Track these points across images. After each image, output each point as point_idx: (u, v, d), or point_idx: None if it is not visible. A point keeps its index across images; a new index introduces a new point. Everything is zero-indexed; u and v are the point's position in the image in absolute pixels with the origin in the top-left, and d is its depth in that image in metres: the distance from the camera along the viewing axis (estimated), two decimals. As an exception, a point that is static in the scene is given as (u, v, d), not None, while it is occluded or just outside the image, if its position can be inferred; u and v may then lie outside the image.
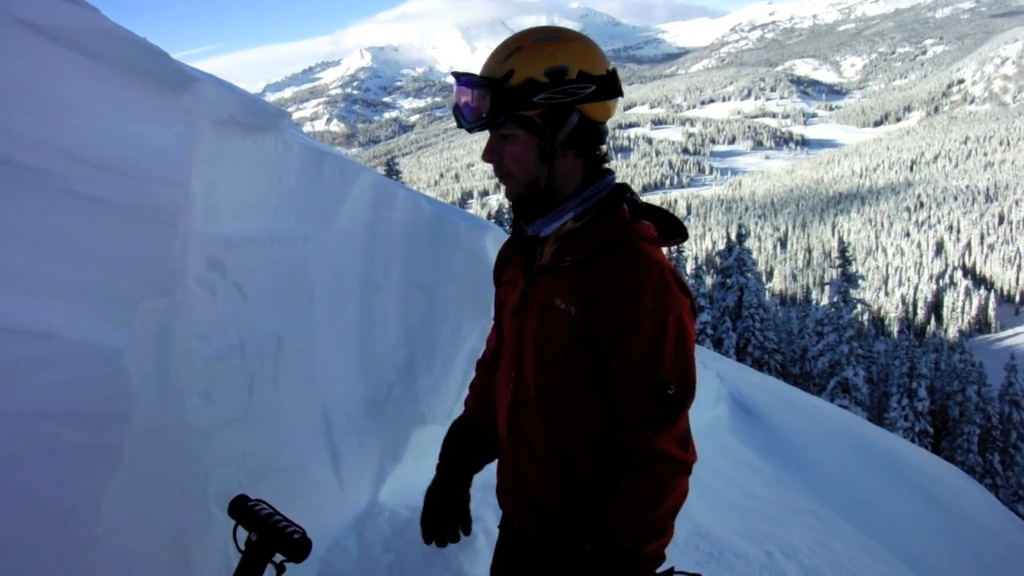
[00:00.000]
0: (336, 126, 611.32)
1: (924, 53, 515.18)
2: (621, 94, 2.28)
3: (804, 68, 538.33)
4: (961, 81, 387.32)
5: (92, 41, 2.21)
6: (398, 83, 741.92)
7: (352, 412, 4.28)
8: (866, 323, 57.53)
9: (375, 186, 4.32)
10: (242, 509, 2.16)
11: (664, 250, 2.31)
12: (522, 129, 2.21)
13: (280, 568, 2.10)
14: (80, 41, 2.18)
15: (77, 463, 2.14)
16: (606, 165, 2.36)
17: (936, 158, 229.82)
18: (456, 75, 2.25)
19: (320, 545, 3.99)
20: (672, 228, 2.35)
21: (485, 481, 2.96)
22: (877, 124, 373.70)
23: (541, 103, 2.16)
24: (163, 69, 2.45)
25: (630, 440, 2.21)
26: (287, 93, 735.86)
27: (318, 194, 3.78)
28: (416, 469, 4.68)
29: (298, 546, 2.05)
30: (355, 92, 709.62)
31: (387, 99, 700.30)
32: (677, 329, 2.17)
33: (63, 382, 2.07)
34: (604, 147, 2.34)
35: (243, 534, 2.15)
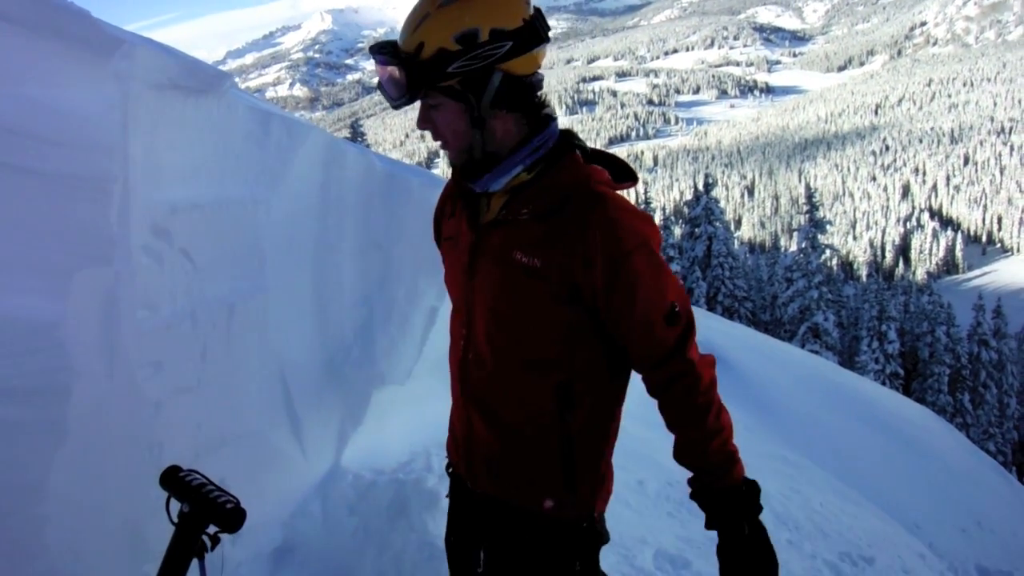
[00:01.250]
0: (299, 90, 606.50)
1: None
2: (545, 40, 2.18)
3: (767, 15, 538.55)
4: (923, 23, 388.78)
5: (8, 6, 2.13)
6: (360, 45, 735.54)
7: (310, 376, 4.23)
8: (835, 268, 57.89)
9: (325, 146, 4.25)
10: (174, 480, 2.12)
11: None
12: (446, 97, 2.14)
13: (214, 539, 2.06)
14: (-5, 6, 2.11)
15: (18, 440, 2.09)
16: (547, 111, 2.28)
17: (900, 101, 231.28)
18: (372, 51, 2.17)
19: (284, 510, 3.97)
20: (622, 172, 2.31)
21: (444, 441, 2.91)
22: (841, 69, 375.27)
23: (457, 72, 2.08)
24: (87, 31, 2.36)
25: (674, 369, 2.24)
26: (248, 59, 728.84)
27: (266, 156, 3.70)
28: (378, 431, 4.67)
29: (231, 516, 2.01)
30: (317, 56, 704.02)
31: (349, 61, 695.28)
32: (658, 254, 2.19)
33: (-1, 357, 2.02)
34: (541, 94, 2.25)
35: (176, 506, 2.11)
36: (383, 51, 2.14)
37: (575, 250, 2.13)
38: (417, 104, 2.22)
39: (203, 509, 2.03)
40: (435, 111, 2.18)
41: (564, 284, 2.16)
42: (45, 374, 2.12)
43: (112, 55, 2.46)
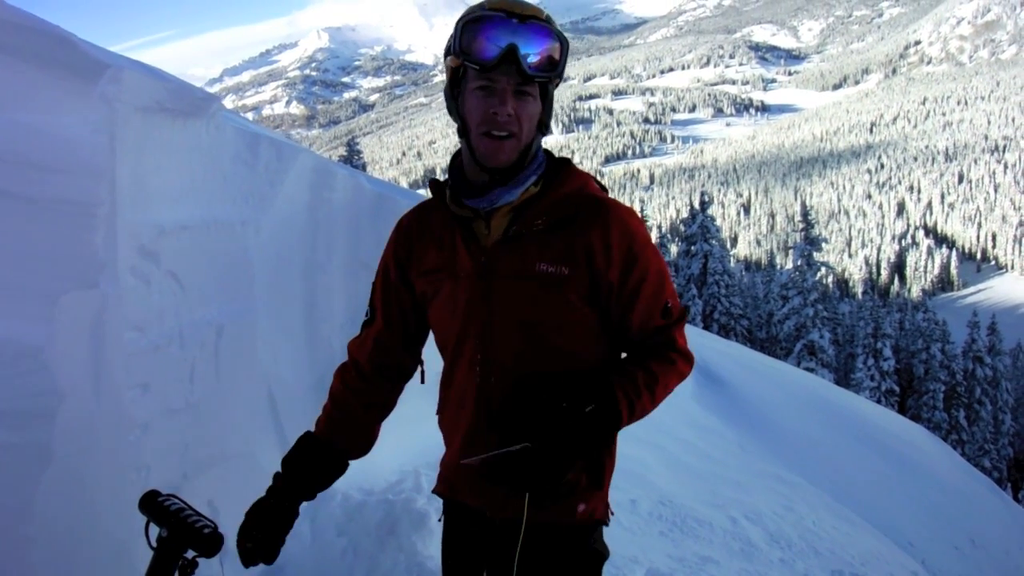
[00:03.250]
0: (296, 108, 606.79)
1: (880, 15, 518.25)
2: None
3: (762, 34, 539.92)
4: (918, 42, 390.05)
5: (-8, 31, 2.15)
6: (356, 63, 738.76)
7: (299, 396, 4.24)
8: (830, 285, 57.89)
9: (314, 168, 4.27)
10: (152, 505, 2.13)
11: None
12: (538, 93, 2.20)
13: (192, 564, 2.06)
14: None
15: (4, 462, 2.09)
16: None
17: (895, 119, 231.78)
18: (522, 16, 2.15)
19: (272, 531, 3.97)
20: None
21: (439, 461, 2.88)
22: (836, 87, 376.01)
23: (559, 73, 2.21)
24: (72, 56, 2.38)
25: (655, 341, 2.30)
26: (245, 77, 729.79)
27: (255, 178, 3.72)
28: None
29: (209, 541, 2.02)
30: (314, 73, 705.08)
31: (346, 79, 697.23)
32: (661, 257, 2.32)
33: (-18, 381, 2.03)
34: None
35: (156, 531, 2.12)
36: (543, 22, 2.17)
37: (598, 248, 2.20)
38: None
39: (181, 534, 2.04)
40: (526, 100, 2.19)
41: (591, 286, 2.23)
42: (32, 397, 2.13)
43: (98, 79, 2.47)
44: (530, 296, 2.24)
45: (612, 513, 2.49)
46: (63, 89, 2.35)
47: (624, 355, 2.37)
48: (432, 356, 2.53)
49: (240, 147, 3.60)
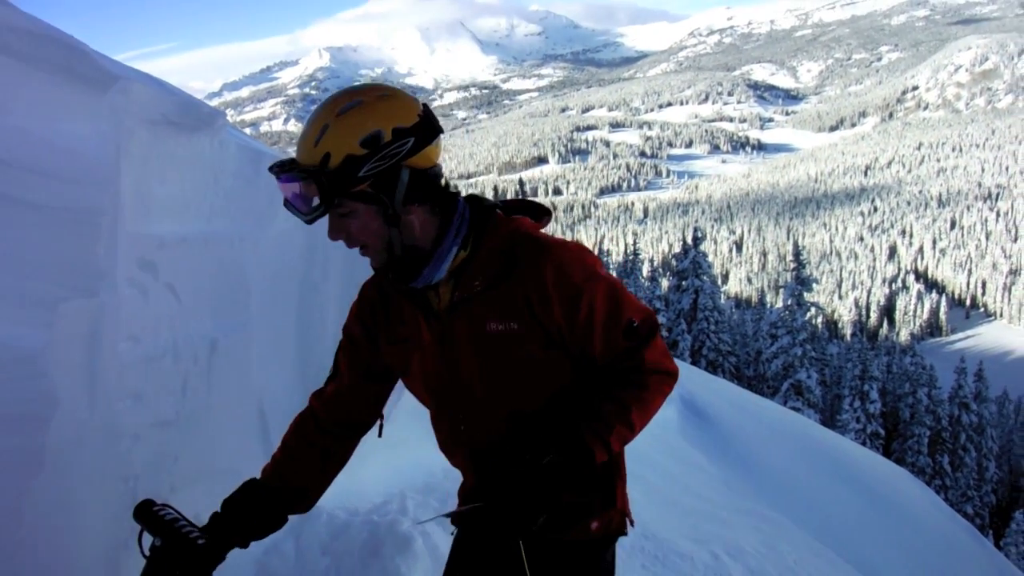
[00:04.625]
0: (294, 126, 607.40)
1: (879, 60, 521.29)
2: (440, 132, 2.27)
3: (761, 73, 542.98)
4: (915, 88, 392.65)
5: (7, 38, 2.17)
6: (356, 83, 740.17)
7: (290, 414, 4.17)
8: (820, 326, 58.09)
9: (316, 187, 4.29)
10: (147, 514, 2.15)
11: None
12: (358, 202, 2.18)
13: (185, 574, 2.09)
14: (-8, 38, 2.15)
15: (-4, 466, 2.10)
16: (451, 189, 2.35)
17: (890, 163, 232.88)
18: (274, 171, 2.20)
19: (257, 548, 3.95)
20: (538, 211, 2.46)
21: (426, 484, 2.91)
22: (833, 129, 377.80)
23: (368, 175, 2.13)
24: (84, 66, 2.41)
25: (623, 365, 2.30)
26: (244, 92, 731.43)
27: (255, 194, 3.75)
28: (354, 472, 4.64)
29: (201, 552, 2.05)
30: (313, 92, 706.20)
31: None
32: (608, 280, 2.29)
33: (-20, 384, 2.04)
34: (444, 180, 2.32)
35: (149, 539, 2.14)
36: (287, 168, 2.17)
37: (535, 299, 2.22)
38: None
39: (174, 544, 2.06)
40: (348, 219, 2.21)
41: (544, 334, 2.25)
42: (27, 402, 2.14)
43: (108, 90, 2.50)
44: (490, 355, 2.31)
45: (632, 522, 2.57)
46: (73, 98, 2.38)
47: (599, 376, 2.35)
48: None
49: (242, 163, 3.63)
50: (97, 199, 2.44)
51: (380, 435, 2.74)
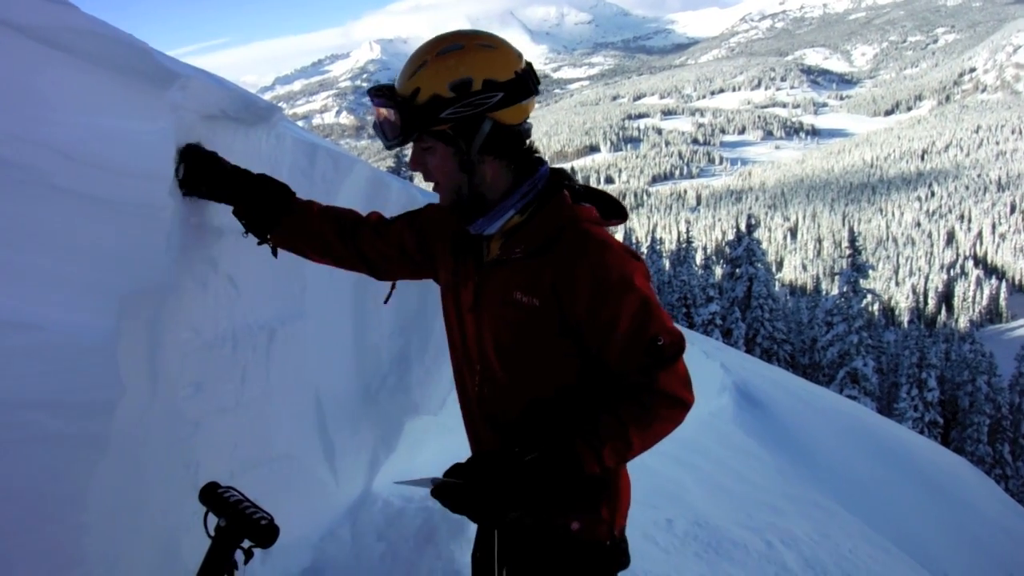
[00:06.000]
0: (345, 118, 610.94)
1: (936, 42, 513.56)
2: (535, 93, 2.32)
3: (815, 57, 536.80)
4: (973, 70, 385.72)
5: (71, 38, 2.23)
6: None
7: (345, 402, 4.32)
8: (876, 313, 57.43)
9: (369, 179, 4.34)
10: (212, 496, 2.22)
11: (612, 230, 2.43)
12: (438, 141, 2.28)
13: (248, 553, 2.15)
14: (58, 38, 2.20)
15: (63, 452, 2.16)
16: (537, 155, 2.43)
17: (948, 147, 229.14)
18: (370, 94, 2.32)
19: (313, 533, 4.05)
20: (613, 209, 2.45)
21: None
22: (888, 113, 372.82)
23: (449, 118, 2.22)
24: (147, 65, 2.47)
25: (634, 381, 2.27)
26: (297, 86, 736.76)
27: (311, 187, 3.80)
28: (409, 459, 4.73)
29: (265, 532, 2.10)
30: (364, 84, 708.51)
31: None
32: (644, 293, 2.26)
33: (50, 372, 2.09)
34: (529, 141, 2.39)
35: (214, 520, 2.20)
36: (380, 94, 2.28)
37: (562, 286, 2.25)
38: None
39: (239, 524, 2.12)
40: (428, 153, 2.33)
41: (560, 319, 2.28)
42: (94, 390, 2.19)
43: (169, 87, 2.57)
44: (507, 322, 2.36)
45: (621, 541, 2.54)
46: (135, 96, 2.44)
47: (608, 386, 2.33)
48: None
49: (298, 156, 3.69)
50: (159, 193, 2.51)
51: (386, 301, 3.01)
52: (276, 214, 2.81)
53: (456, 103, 2.20)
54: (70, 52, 2.24)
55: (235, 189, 2.78)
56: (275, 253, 2.93)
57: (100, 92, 2.33)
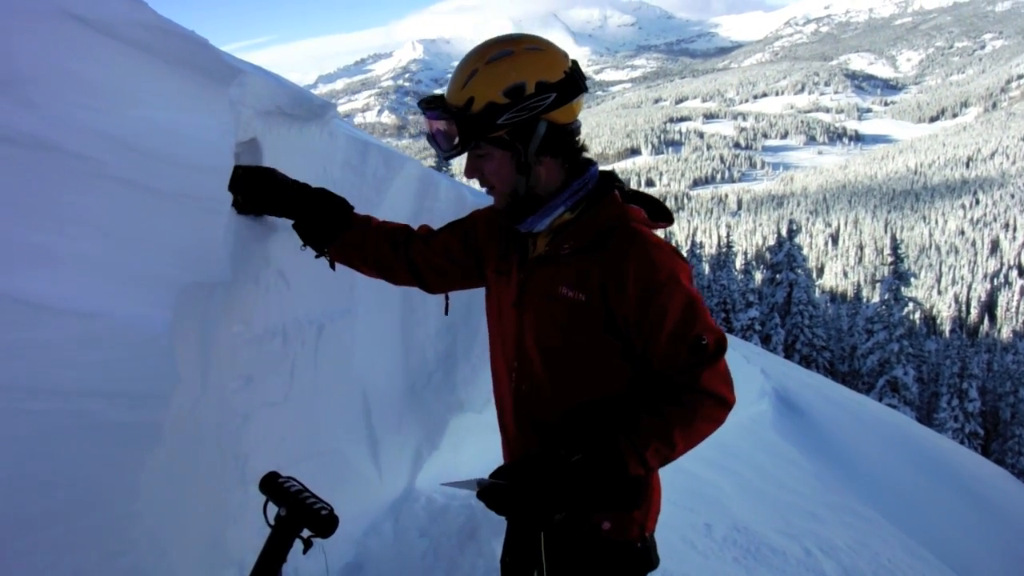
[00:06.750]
0: (387, 117, 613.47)
1: (983, 47, 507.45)
2: (584, 91, 2.35)
3: (859, 62, 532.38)
4: (1021, 76, 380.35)
5: (142, 35, 2.27)
6: (449, 75, 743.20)
7: (391, 398, 4.35)
8: (917, 322, 56.75)
9: (419, 177, 4.38)
10: (272, 485, 2.24)
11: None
12: (495, 147, 2.31)
13: (307, 543, 2.17)
14: (130, 35, 2.24)
15: (118, 440, 2.19)
16: (586, 155, 2.46)
17: (993, 155, 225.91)
18: (422, 106, 2.35)
19: (356, 528, 4.07)
20: (659, 212, 2.48)
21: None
22: (933, 120, 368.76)
23: (506, 124, 2.24)
24: (210, 61, 2.50)
25: (677, 381, 2.29)
26: (339, 84, 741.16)
27: (363, 184, 3.84)
28: (453, 456, 4.75)
29: (325, 522, 2.12)
30: (406, 84, 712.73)
31: (438, 91, 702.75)
32: (690, 291, 2.29)
33: (109, 361, 2.12)
34: (580, 139, 2.43)
35: (273, 510, 2.22)
36: (433, 106, 2.32)
37: (611, 282, 2.27)
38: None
39: (300, 513, 2.15)
40: (483, 160, 2.36)
41: (606, 316, 2.30)
42: (150, 380, 2.22)
43: (230, 83, 2.60)
44: (552, 317, 2.38)
45: (651, 542, 2.57)
46: (197, 90, 2.47)
47: (651, 387, 2.35)
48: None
49: (350, 153, 3.72)
50: (217, 187, 2.55)
51: (446, 313, 3.13)
52: (336, 229, 2.85)
53: (511, 108, 2.23)
54: (140, 48, 2.29)
55: (296, 205, 2.83)
56: (333, 267, 2.99)
57: (163, 86, 2.36)
